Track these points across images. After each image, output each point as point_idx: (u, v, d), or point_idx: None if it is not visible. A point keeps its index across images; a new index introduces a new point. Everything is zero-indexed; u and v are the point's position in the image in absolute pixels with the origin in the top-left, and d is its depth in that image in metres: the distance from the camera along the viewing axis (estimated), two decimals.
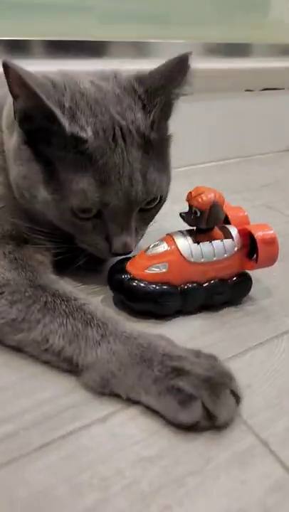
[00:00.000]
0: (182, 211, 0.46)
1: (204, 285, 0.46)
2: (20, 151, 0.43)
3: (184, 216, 0.45)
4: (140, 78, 0.45)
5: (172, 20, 1.00)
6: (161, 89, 0.43)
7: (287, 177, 0.97)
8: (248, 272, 0.49)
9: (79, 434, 0.33)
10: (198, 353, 0.37)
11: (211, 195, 0.44)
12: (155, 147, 0.44)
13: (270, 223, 0.47)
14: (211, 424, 0.33)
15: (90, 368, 0.36)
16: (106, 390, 0.35)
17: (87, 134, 0.40)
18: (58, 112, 0.39)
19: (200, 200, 0.43)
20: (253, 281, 0.50)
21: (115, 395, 0.35)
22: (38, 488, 0.29)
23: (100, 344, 0.36)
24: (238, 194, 0.84)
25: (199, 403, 0.32)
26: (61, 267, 0.49)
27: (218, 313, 0.47)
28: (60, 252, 0.47)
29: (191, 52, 0.43)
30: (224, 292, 0.47)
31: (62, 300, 0.39)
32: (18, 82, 0.38)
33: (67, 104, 0.40)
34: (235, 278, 0.47)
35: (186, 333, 0.44)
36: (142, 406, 0.34)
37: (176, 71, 0.42)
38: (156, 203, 0.47)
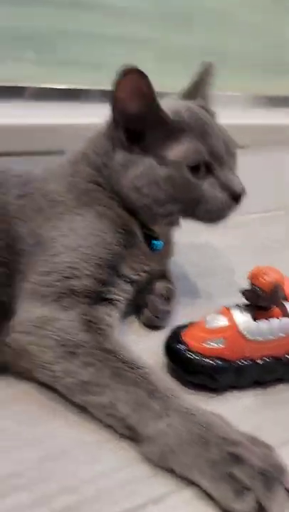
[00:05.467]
0: (243, 288, 0.48)
1: (259, 362, 0.47)
2: (126, 161, 0.51)
3: (245, 293, 0.47)
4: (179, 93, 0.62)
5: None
6: (197, 89, 0.60)
7: None
8: None
9: None
10: (253, 440, 0.38)
11: (274, 276, 0.45)
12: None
13: None
14: None
15: (150, 440, 0.38)
16: (164, 465, 0.37)
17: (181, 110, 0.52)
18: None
19: (263, 280, 0.45)
20: None
21: (171, 471, 0.37)
22: None
23: (161, 417, 0.38)
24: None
25: (253, 496, 0.33)
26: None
27: (275, 389, 0.48)
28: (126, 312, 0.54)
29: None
30: (278, 370, 0.48)
31: (130, 367, 0.41)
32: (142, 88, 0.48)
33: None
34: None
35: (237, 411, 0.44)
36: (196, 486, 0.36)
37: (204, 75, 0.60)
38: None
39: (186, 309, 0.60)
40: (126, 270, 0.52)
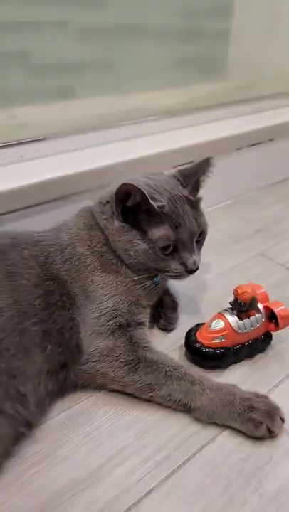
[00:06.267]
0: (231, 301, 0.73)
1: (246, 345, 0.74)
2: (122, 228, 0.69)
3: (232, 304, 0.73)
4: (180, 170, 0.76)
5: None
6: (193, 176, 0.73)
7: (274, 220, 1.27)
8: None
9: (203, 451, 0.60)
10: (256, 394, 0.64)
11: (250, 292, 0.71)
12: (195, 204, 0.73)
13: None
14: (270, 436, 0.61)
15: (197, 409, 0.63)
16: (210, 421, 0.63)
17: (164, 202, 0.68)
18: (147, 195, 0.65)
19: (244, 296, 0.71)
20: None
21: (214, 423, 0.63)
22: (198, 479, 0.56)
23: (202, 395, 0.63)
24: (239, 243, 1.12)
25: (265, 426, 0.60)
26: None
27: (257, 358, 0.75)
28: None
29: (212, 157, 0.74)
30: (258, 346, 0.75)
31: (174, 369, 0.65)
32: (136, 194, 0.65)
33: (151, 191, 0.68)
34: (262, 336, 0.76)
35: (237, 377, 0.71)
36: (230, 428, 0.62)
37: (205, 165, 0.74)
38: (202, 236, 0.75)
39: (187, 313, 0.86)
40: (144, 302, 0.74)
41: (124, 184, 0.65)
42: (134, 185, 0.64)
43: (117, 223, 0.70)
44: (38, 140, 0.99)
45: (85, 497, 0.54)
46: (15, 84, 0.93)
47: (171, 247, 0.69)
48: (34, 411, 0.60)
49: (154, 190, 0.69)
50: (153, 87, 1.24)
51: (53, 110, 1.05)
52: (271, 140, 1.40)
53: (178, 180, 0.74)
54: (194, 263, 0.71)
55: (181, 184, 0.73)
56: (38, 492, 0.55)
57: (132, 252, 0.70)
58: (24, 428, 0.59)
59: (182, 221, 0.69)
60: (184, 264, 0.70)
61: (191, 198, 0.73)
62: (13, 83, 0.93)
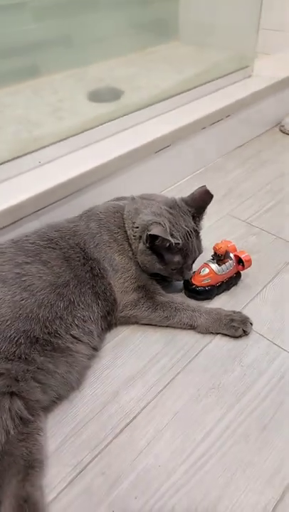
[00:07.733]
0: (212, 254, 1.08)
1: (224, 282, 1.10)
2: (145, 251, 0.99)
3: (213, 256, 1.08)
4: (186, 201, 1.04)
5: None
6: (202, 209, 1.04)
7: (236, 183, 1.60)
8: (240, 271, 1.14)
9: (205, 348, 0.97)
10: (234, 311, 1.01)
11: (224, 247, 1.06)
12: (198, 233, 1.06)
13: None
14: (245, 334, 0.99)
15: (199, 326, 1.00)
16: (207, 332, 1.00)
17: (180, 240, 0.99)
18: (172, 240, 0.95)
19: (220, 251, 1.06)
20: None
21: (210, 332, 1.00)
22: (205, 363, 0.94)
23: (200, 317, 1.00)
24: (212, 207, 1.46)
25: (241, 329, 0.98)
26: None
27: (231, 290, 1.12)
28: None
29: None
30: (232, 282, 1.12)
31: (180, 304, 1.01)
32: (164, 240, 0.94)
33: (169, 230, 0.97)
34: (234, 275, 1.12)
35: (220, 302, 1.08)
36: (220, 334, 1.00)
37: (208, 197, 1.03)
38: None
39: None
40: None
41: (156, 227, 0.92)
42: (164, 234, 0.91)
43: (142, 246, 0.97)
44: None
45: (141, 382, 0.91)
46: None
47: (179, 268, 1.01)
48: (97, 340, 0.96)
49: (174, 227, 0.96)
50: (112, 55, 1.36)
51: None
52: (228, 116, 1.70)
53: (192, 215, 1.01)
54: (189, 275, 1.05)
55: (194, 218, 1.01)
56: (111, 383, 0.91)
57: (148, 265, 1.00)
58: (93, 351, 0.94)
59: (190, 252, 0.98)
60: (183, 276, 1.04)
61: (198, 230, 1.02)
62: None
